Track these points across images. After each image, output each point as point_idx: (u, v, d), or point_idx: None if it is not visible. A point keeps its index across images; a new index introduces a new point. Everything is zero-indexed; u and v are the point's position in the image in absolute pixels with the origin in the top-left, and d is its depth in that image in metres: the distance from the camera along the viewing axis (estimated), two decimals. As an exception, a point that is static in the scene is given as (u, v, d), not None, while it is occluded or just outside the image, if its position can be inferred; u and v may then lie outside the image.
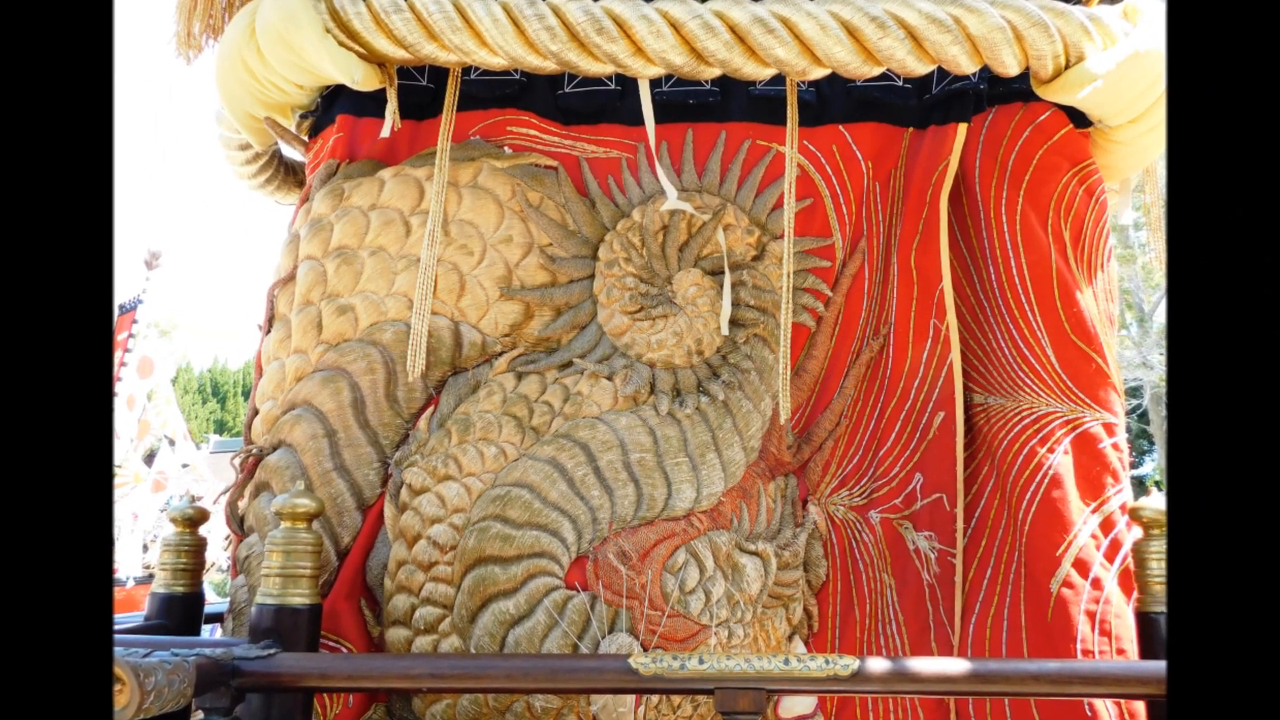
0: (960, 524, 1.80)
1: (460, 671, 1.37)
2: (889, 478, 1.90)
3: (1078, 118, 1.86)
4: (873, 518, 1.89)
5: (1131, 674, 1.32)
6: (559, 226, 1.96)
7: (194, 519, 1.88)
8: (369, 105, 1.97)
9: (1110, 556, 1.66)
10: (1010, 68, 1.64)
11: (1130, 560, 1.60)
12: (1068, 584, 1.63)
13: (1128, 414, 1.86)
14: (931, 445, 1.86)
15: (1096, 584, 1.63)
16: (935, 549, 1.82)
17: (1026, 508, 1.70)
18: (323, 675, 1.35)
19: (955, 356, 1.86)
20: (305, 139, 2.13)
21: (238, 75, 1.86)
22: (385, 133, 1.86)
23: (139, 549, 10.33)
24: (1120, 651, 1.60)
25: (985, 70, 1.70)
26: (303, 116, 2.10)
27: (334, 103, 2.03)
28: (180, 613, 1.81)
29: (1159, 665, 1.29)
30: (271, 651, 1.35)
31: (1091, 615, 1.62)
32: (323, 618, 1.53)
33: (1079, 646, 1.60)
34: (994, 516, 1.79)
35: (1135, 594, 1.55)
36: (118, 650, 1.08)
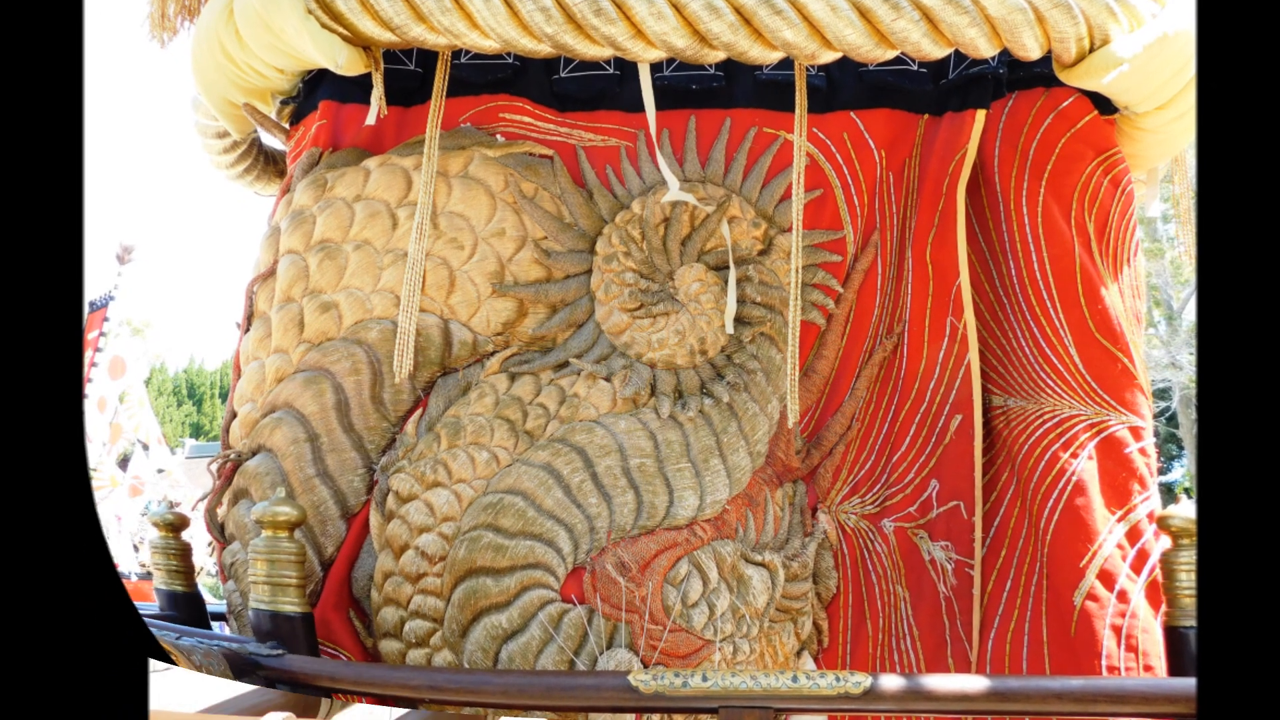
0: (978, 533, 1.80)
1: (456, 685, 1.44)
2: (903, 484, 1.90)
3: (1103, 104, 1.86)
4: (886, 527, 1.89)
5: (1159, 692, 1.32)
6: (554, 219, 1.96)
7: (175, 524, 1.92)
8: (353, 91, 1.97)
9: (1137, 568, 1.66)
10: (1031, 51, 1.64)
11: (1158, 572, 1.60)
12: (1092, 597, 1.63)
13: (1155, 417, 1.86)
14: (948, 450, 1.86)
15: (1122, 596, 1.64)
16: (952, 559, 1.82)
17: (1048, 516, 1.70)
18: (331, 678, 1.49)
19: (973, 356, 1.86)
20: (286, 126, 2.13)
21: (215, 59, 1.86)
22: (370, 120, 1.86)
23: (130, 548, 10.41)
24: (1147, 668, 1.60)
25: (1005, 54, 1.70)
26: (283, 103, 2.10)
27: (316, 88, 2.03)
28: (187, 608, 1.90)
29: (1188, 683, 1.29)
30: (279, 652, 1.46)
31: (1117, 630, 1.62)
32: (316, 627, 1.59)
33: (1104, 663, 1.60)
34: (1014, 525, 1.79)
35: (1163, 607, 1.55)
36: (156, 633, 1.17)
